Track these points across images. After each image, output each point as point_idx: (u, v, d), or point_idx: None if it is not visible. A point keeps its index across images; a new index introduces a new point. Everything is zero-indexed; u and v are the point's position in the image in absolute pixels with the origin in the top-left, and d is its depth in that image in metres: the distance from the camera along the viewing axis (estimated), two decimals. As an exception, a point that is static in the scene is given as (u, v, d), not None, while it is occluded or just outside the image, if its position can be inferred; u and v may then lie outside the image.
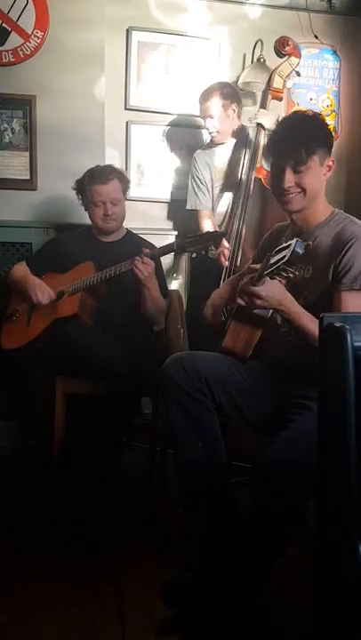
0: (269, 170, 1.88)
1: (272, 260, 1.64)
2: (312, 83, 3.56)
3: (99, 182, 2.56)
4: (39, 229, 3.02)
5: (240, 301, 1.74)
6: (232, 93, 3.05)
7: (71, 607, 1.77)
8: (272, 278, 1.66)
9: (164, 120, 3.40)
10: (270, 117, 2.88)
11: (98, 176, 2.57)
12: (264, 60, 3.37)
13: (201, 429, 1.77)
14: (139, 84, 3.35)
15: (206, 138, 3.39)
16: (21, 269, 2.69)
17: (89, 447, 2.37)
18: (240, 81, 3.36)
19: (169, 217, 3.47)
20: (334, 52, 3.57)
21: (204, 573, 1.75)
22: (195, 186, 3.15)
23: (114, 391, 2.31)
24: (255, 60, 3.39)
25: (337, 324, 1.04)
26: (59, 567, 1.96)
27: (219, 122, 3.02)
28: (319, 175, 1.82)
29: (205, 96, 3.03)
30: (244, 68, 3.42)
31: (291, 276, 1.61)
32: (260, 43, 3.38)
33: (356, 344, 1.02)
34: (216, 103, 3.00)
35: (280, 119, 2.02)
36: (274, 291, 1.69)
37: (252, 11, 3.44)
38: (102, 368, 2.31)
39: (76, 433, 2.53)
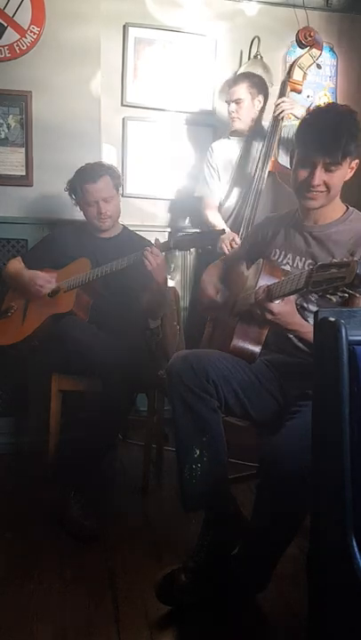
0: (294, 160, 1.81)
1: (321, 277, 1.47)
2: (309, 79, 3.48)
3: (89, 181, 2.55)
4: (35, 225, 3.01)
5: (256, 310, 1.72)
6: (261, 85, 3.03)
7: (67, 604, 1.76)
8: (322, 296, 1.55)
9: (160, 117, 3.39)
10: (294, 105, 2.83)
11: (88, 174, 2.56)
12: (261, 57, 3.36)
13: (205, 429, 1.75)
14: (135, 80, 3.34)
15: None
16: (16, 264, 2.69)
17: (85, 444, 2.36)
18: (237, 77, 3.35)
19: (165, 214, 3.46)
20: (331, 50, 3.57)
21: (201, 574, 1.74)
22: (207, 174, 3.15)
23: (109, 388, 2.31)
24: (252, 56, 3.38)
25: (331, 319, 1.04)
26: (54, 564, 1.96)
27: (242, 108, 2.99)
28: (345, 176, 1.79)
29: (235, 80, 3.03)
30: (240, 65, 3.41)
31: (346, 296, 1.49)
32: (256, 39, 3.37)
33: (350, 338, 1.01)
34: (243, 89, 2.98)
35: (314, 108, 1.94)
36: (286, 311, 1.69)
37: (248, 7, 3.43)
38: (98, 365, 2.30)
39: (71, 430, 2.53)
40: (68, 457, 2.39)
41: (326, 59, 3.56)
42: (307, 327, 1.72)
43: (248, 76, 3.04)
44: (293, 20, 3.38)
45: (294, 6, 3.41)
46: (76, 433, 2.46)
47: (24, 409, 2.98)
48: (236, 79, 3.03)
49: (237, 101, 2.99)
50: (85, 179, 2.56)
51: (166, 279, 2.51)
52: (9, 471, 2.71)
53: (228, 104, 3.04)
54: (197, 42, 3.37)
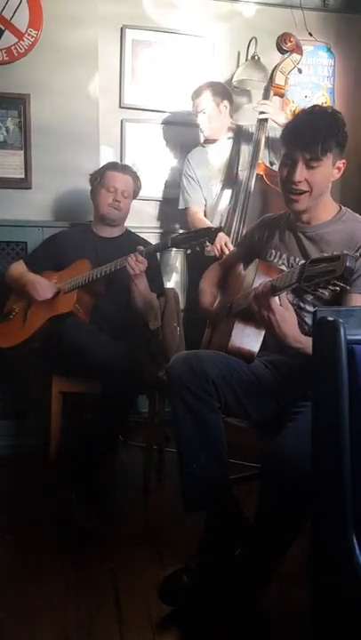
0: (280, 161, 1.83)
1: (313, 272, 1.49)
2: (307, 80, 3.55)
3: (118, 170, 2.67)
4: (34, 228, 3.01)
5: (254, 307, 1.72)
6: (223, 91, 3.08)
7: (69, 605, 1.77)
8: (315, 291, 1.57)
9: (158, 118, 3.40)
10: (273, 109, 2.88)
11: (117, 166, 2.71)
12: (258, 58, 3.36)
13: (206, 430, 1.75)
14: (133, 82, 3.34)
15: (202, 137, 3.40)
16: (19, 267, 2.69)
17: (85, 446, 2.37)
18: (235, 79, 3.36)
19: (163, 215, 3.46)
20: (329, 50, 3.57)
21: (204, 575, 1.74)
22: (186, 184, 3.17)
23: (109, 389, 2.31)
24: (250, 57, 3.39)
25: (330, 318, 1.04)
26: (56, 565, 1.96)
27: (210, 117, 3.05)
28: (329, 175, 1.79)
29: (197, 92, 3.07)
30: (238, 66, 3.42)
31: (338, 289, 1.50)
32: (254, 40, 3.38)
33: (349, 337, 1.02)
34: (207, 99, 3.03)
35: (298, 111, 1.97)
36: (287, 320, 1.67)
37: (246, 8, 3.43)
38: (98, 366, 2.30)
39: (72, 431, 2.53)
40: (68, 459, 2.39)
41: (324, 59, 3.57)
42: (305, 342, 1.68)
43: (209, 86, 3.07)
44: (291, 20, 3.39)
45: (291, 7, 3.42)
46: (76, 435, 2.46)
47: (25, 411, 2.98)
48: (198, 91, 3.07)
49: (203, 111, 3.04)
50: (115, 168, 2.69)
51: (147, 286, 2.50)
52: (10, 473, 2.71)
53: (196, 116, 3.09)
54: (195, 43, 3.38)
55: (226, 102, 3.06)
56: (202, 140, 3.22)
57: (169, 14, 3.33)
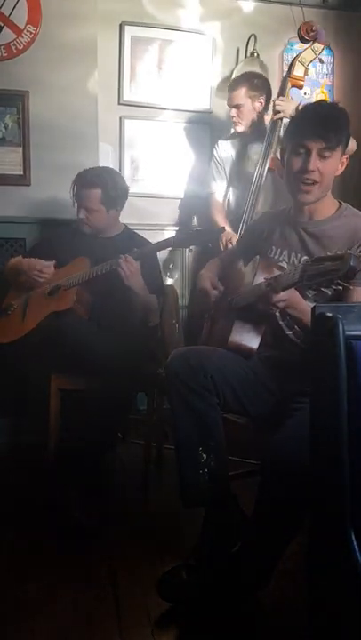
0: (287, 153, 1.82)
1: (315, 271, 1.49)
2: (306, 77, 3.54)
3: (83, 186, 2.59)
4: (33, 225, 3.02)
5: (260, 305, 1.72)
6: (261, 85, 2.99)
7: (67, 602, 1.76)
8: (317, 290, 1.58)
9: (157, 115, 3.39)
10: (290, 106, 2.80)
11: (83, 179, 2.59)
12: (258, 55, 3.37)
13: (204, 426, 1.75)
14: (132, 79, 3.34)
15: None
16: (17, 258, 2.69)
17: (84, 443, 2.37)
18: (234, 75, 3.35)
19: (163, 212, 3.46)
20: (328, 47, 3.56)
21: (202, 571, 1.74)
22: (214, 170, 3.16)
23: (108, 386, 2.31)
24: (249, 54, 3.39)
25: (329, 314, 1.04)
26: (55, 563, 1.96)
27: (243, 113, 2.98)
28: (336, 169, 1.81)
29: (234, 85, 3.00)
30: (237, 63, 3.42)
31: (341, 288, 1.50)
32: (253, 37, 3.38)
33: (347, 333, 1.02)
34: (242, 94, 2.96)
35: (304, 105, 1.99)
36: (293, 294, 1.69)
37: (245, 5, 3.43)
38: (97, 362, 2.30)
39: (71, 429, 2.53)
40: (68, 456, 2.39)
41: (323, 56, 3.55)
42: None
43: (247, 79, 3.00)
44: (290, 17, 3.38)
45: (291, 4, 3.42)
46: (75, 432, 2.46)
47: (23, 408, 2.98)
48: (236, 83, 3.00)
49: (237, 106, 2.98)
50: (79, 182, 2.60)
51: (143, 286, 2.48)
52: (9, 471, 2.71)
53: (230, 108, 3.02)
54: (194, 40, 3.38)
55: (262, 98, 2.98)
56: (231, 133, 3.17)
57: (168, 11, 3.33)
